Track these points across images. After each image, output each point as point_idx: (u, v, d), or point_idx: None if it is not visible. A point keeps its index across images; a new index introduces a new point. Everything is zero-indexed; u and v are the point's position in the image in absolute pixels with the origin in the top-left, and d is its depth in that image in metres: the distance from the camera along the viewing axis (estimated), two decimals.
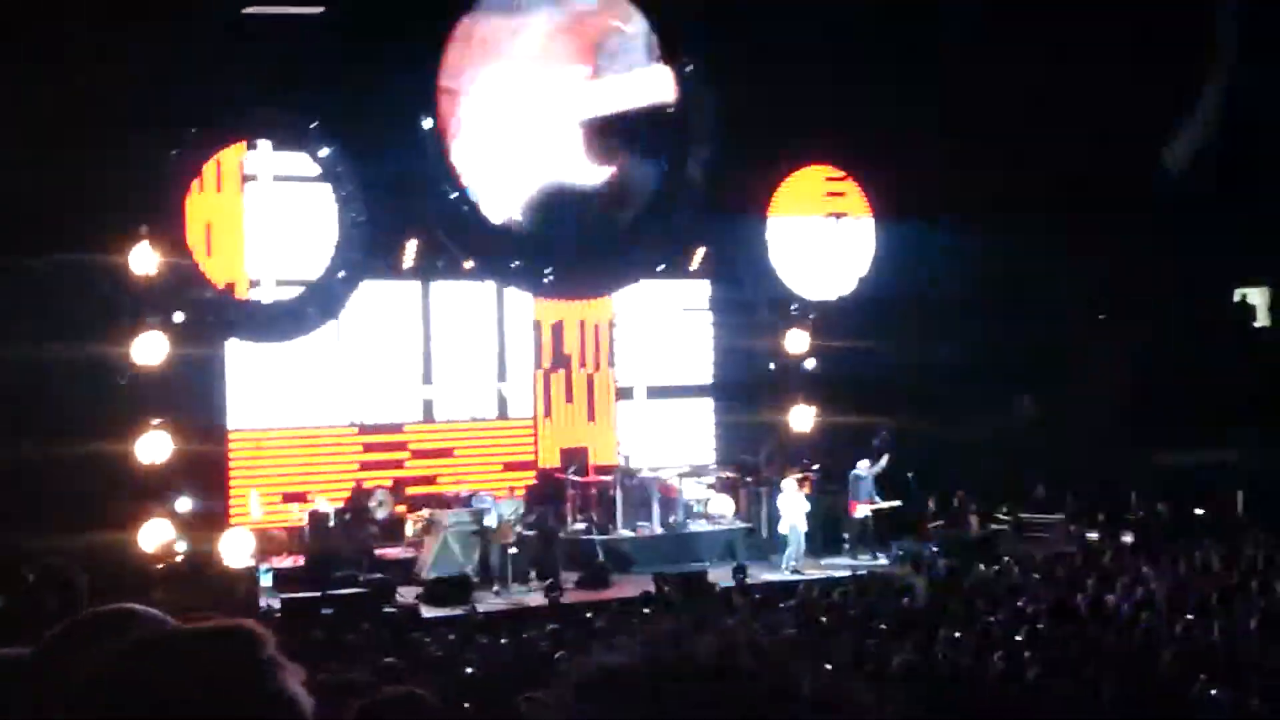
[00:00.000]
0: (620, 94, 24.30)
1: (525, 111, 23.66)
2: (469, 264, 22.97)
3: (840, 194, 26.42)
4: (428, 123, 22.75)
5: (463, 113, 23.12)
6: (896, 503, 22.48)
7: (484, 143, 23.31)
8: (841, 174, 26.40)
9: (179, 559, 18.91)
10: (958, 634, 12.64)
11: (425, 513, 21.33)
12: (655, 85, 24.49)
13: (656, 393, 25.39)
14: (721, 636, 1.25)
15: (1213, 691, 9.91)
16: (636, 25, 24.48)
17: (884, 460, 22.54)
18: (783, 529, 21.18)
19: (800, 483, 21.79)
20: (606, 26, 24.43)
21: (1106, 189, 24.90)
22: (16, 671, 2.19)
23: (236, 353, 22.16)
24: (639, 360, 25.37)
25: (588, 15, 24.23)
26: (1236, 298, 29.20)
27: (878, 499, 22.20)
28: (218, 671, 1.55)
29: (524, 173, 23.66)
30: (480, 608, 17.57)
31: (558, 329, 24.81)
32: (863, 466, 22.42)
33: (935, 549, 20.69)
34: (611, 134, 24.08)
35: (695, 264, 24.59)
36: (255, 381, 22.32)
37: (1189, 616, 12.73)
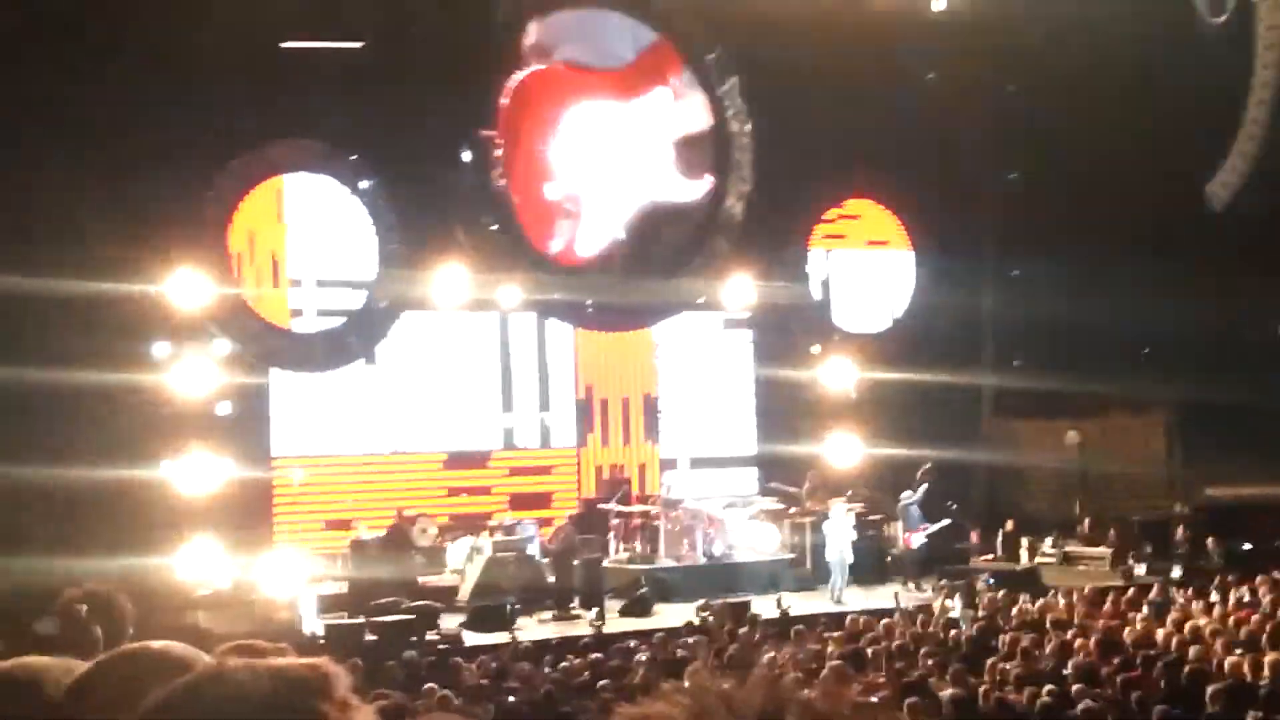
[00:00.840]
0: (666, 118, 24.50)
1: (614, 132, 23.98)
2: (510, 295, 22.97)
3: (854, 216, 26.67)
4: (467, 155, 22.88)
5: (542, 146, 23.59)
6: (946, 521, 22.47)
7: (572, 165, 23.75)
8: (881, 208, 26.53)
9: (222, 584, 18.93)
10: (1005, 666, 12.52)
11: (469, 540, 21.34)
12: (693, 113, 24.63)
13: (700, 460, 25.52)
14: (769, 691, 1.22)
15: None
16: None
17: (923, 489, 22.51)
18: (830, 556, 21.06)
19: (848, 512, 21.72)
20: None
21: (1152, 224, 24.71)
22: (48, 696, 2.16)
23: (282, 381, 22.29)
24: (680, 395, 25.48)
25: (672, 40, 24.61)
26: None
27: (929, 526, 22.21)
28: (288, 712, 1.50)
29: (621, 192, 23.99)
30: (522, 635, 17.53)
31: (597, 360, 24.86)
32: (908, 496, 22.41)
33: (983, 580, 20.51)
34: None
35: (736, 295, 24.44)
36: (301, 409, 22.44)
37: (1237, 652, 12.56)
